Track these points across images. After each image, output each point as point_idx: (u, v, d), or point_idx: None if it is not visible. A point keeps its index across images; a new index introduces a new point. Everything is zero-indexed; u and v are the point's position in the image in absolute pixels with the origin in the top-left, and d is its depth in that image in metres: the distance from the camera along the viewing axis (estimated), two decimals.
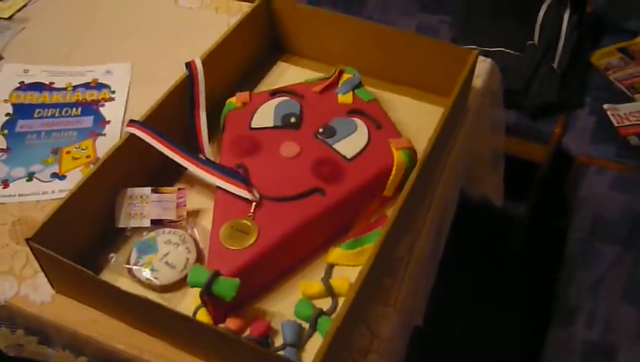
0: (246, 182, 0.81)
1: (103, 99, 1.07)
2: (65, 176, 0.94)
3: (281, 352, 0.72)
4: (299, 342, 0.74)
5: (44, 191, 0.92)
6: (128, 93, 1.08)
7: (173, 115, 0.91)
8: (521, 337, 1.61)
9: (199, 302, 0.74)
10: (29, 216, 0.89)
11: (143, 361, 0.75)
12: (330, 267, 0.81)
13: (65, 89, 1.08)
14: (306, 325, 0.75)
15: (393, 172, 0.85)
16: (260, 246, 0.76)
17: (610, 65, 1.59)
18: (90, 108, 1.05)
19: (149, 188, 0.85)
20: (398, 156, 0.86)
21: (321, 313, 0.75)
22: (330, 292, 0.78)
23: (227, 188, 0.81)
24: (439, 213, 0.94)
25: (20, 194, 0.92)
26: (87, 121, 1.03)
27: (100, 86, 1.09)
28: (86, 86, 1.09)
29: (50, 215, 0.74)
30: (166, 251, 0.81)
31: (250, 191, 0.80)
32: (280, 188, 0.82)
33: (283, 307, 0.78)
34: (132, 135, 0.85)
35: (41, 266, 0.78)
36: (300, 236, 0.79)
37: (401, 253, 0.84)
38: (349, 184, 0.83)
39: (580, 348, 1.10)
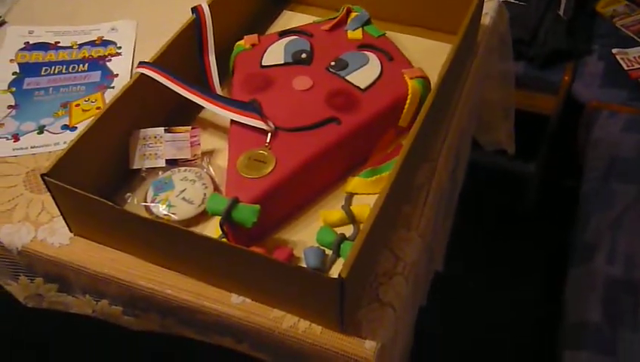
0: (260, 113, 0.80)
1: (109, 54, 1.06)
2: (76, 128, 0.93)
3: None
4: (322, 267, 0.72)
5: (56, 143, 0.91)
6: (135, 47, 1.07)
7: (182, 59, 0.89)
8: (534, 297, 1.60)
9: (220, 233, 0.73)
10: (43, 167, 0.88)
11: (165, 295, 0.74)
12: (350, 196, 0.80)
13: (70, 47, 1.07)
14: (328, 252, 0.74)
15: (408, 100, 0.84)
16: (278, 174, 0.75)
17: (617, 12, 1.58)
18: (97, 64, 1.04)
19: (162, 128, 0.84)
20: (413, 85, 0.85)
21: (343, 238, 0.74)
22: (351, 219, 0.77)
23: (241, 121, 0.80)
24: (455, 144, 0.93)
25: (31, 147, 0.91)
26: (95, 76, 1.02)
27: (105, 43, 1.08)
28: (91, 44, 1.08)
29: (66, 150, 0.73)
30: (183, 188, 0.80)
31: (266, 122, 0.79)
32: (295, 119, 0.81)
33: (305, 236, 0.77)
34: (142, 76, 0.84)
35: (57, 205, 0.77)
36: (318, 164, 0.78)
37: (421, 180, 0.83)
38: (364, 113, 0.82)
39: (602, 284, 1.09)
